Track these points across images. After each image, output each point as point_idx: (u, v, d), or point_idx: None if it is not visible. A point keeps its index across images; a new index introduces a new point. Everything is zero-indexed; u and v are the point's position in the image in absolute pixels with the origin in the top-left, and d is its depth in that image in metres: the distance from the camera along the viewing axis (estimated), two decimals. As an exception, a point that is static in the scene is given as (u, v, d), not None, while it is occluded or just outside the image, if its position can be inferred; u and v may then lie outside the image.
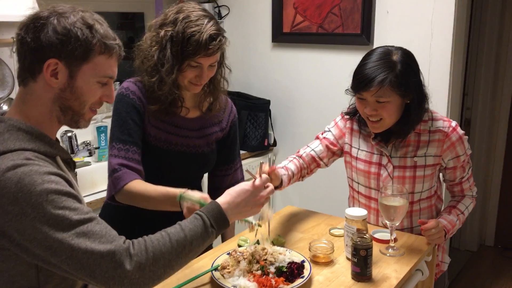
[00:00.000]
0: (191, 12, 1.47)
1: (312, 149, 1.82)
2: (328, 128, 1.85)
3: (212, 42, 1.45)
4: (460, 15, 2.47)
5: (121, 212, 1.59)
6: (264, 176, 1.28)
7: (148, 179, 1.54)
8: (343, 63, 2.77)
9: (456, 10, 2.39)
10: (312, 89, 2.93)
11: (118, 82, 2.65)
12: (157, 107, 1.53)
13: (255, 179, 1.26)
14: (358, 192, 1.79)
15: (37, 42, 1.02)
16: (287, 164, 1.73)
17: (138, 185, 1.46)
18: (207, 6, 3.02)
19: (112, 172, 1.49)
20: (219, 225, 1.14)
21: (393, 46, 1.62)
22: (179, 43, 1.45)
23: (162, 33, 1.47)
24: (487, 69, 3.51)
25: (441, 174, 1.79)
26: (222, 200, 1.18)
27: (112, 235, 0.99)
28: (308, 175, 1.85)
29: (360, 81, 1.56)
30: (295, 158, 1.80)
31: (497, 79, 3.55)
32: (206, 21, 1.46)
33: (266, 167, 1.48)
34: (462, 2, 2.47)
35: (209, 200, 1.32)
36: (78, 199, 1.00)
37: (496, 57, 3.50)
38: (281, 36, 2.95)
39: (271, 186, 1.30)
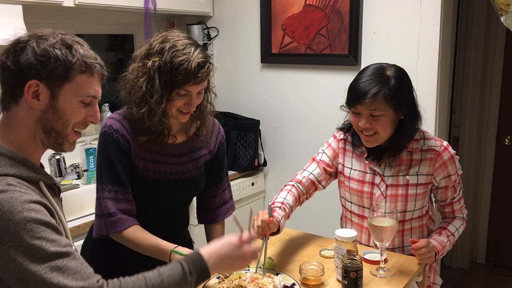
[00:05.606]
0: (177, 41, 1.46)
1: (311, 173, 1.81)
2: (322, 150, 1.85)
3: (201, 70, 1.44)
4: (446, 34, 2.51)
5: (110, 246, 1.57)
6: (253, 232, 1.25)
7: (139, 208, 1.55)
8: (331, 83, 2.79)
9: (442, 30, 2.44)
10: (301, 109, 2.95)
11: (108, 104, 2.65)
12: (146, 138, 1.52)
13: (242, 231, 1.23)
14: (351, 211, 1.79)
15: (17, 64, 1.02)
16: (285, 198, 1.70)
17: (133, 233, 1.48)
18: (196, 28, 3.05)
19: (107, 215, 1.48)
20: (198, 273, 1.12)
21: (387, 63, 1.65)
22: (167, 73, 1.44)
23: (149, 63, 1.45)
24: (473, 87, 3.56)
25: (432, 195, 1.80)
26: (205, 249, 1.16)
27: (88, 272, 0.97)
28: (307, 199, 1.84)
29: (354, 95, 1.58)
30: (293, 186, 1.77)
31: (484, 96, 3.60)
32: (193, 49, 1.45)
33: (265, 216, 1.50)
34: (447, 22, 2.52)
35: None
36: (57, 230, 0.98)
37: (482, 75, 3.55)
38: (270, 57, 2.98)
39: (256, 246, 1.26)
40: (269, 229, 1.51)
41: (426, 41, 2.46)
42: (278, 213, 1.59)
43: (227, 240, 1.19)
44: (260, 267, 1.52)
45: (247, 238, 1.20)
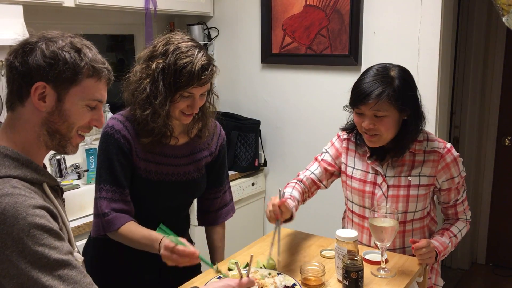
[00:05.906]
0: (181, 43, 1.46)
1: (312, 172, 1.82)
2: (326, 149, 1.86)
3: (204, 72, 1.45)
4: (446, 35, 2.51)
5: (111, 247, 1.57)
6: (251, 277, 1.27)
7: (140, 209, 1.55)
8: (331, 84, 2.79)
9: (442, 30, 2.43)
10: (301, 109, 2.95)
11: (108, 104, 2.65)
12: (149, 139, 1.52)
13: (241, 277, 1.25)
14: (352, 211, 1.80)
15: (25, 66, 1.02)
16: (291, 192, 1.72)
17: (127, 228, 1.49)
18: (196, 28, 3.05)
19: (102, 215, 1.49)
20: None
21: (390, 63, 1.65)
22: (171, 75, 1.44)
23: (153, 65, 1.45)
24: (473, 87, 3.56)
25: (435, 197, 1.80)
26: (204, 287, 1.18)
27: (86, 282, 0.98)
28: (309, 198, 1.85)
29: (358, 95, 1.58)
30: (296, 183, 1.79)
31: (484, 97, 3.60)
32: (196, 51, 1.46)
33: (276, 200, 1.49)
34: (448, 22, 2.52)
35: (185, 241, 1.38)
36: (59, 236, 0.98)
37: (482, 75, 3.55)
38: (270, 57, 2.97)
39: None
40: (281, 213, 1.51)
41: (427, 41, 2.46)
42: (289, 203, 1.59)
43: (226, 281, 1.21)
44: (269, 263, 1.53)
45: (245, 282, 1.22)
